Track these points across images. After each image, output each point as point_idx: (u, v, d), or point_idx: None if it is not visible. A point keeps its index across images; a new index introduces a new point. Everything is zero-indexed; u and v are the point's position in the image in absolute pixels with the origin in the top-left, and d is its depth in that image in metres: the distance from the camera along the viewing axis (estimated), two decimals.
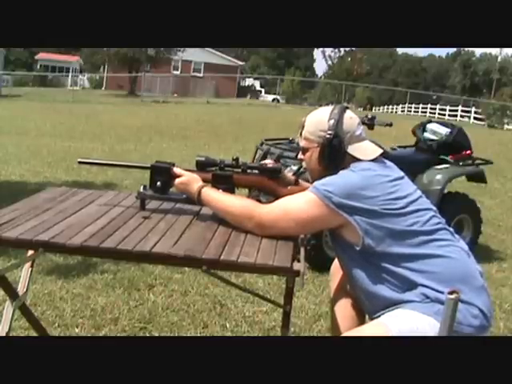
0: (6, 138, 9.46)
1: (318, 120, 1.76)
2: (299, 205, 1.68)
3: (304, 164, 1.85)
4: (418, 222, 1.65)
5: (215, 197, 1.76)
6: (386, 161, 1.79)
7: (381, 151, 1.77)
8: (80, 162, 1.99)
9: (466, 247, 1.74)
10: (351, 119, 1.76)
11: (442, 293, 1.53)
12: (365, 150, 1.75)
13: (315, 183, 1.68)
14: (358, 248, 1.64)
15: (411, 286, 1.61)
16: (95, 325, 2.74)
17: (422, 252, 1.62)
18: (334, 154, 1.71)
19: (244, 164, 1.89)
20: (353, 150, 1.73)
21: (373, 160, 1.74)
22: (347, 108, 1.79)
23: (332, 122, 1.72)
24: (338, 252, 1.82)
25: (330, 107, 1.79)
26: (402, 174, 1.77)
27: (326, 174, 1.71)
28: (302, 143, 1.81)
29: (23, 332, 2.53)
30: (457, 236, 1.76)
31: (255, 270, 1.69)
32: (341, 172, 1.70)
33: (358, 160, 1.72)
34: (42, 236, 1.56)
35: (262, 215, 1.69)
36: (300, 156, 1.85)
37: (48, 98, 21.93)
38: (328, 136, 1.71)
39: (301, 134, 1.82)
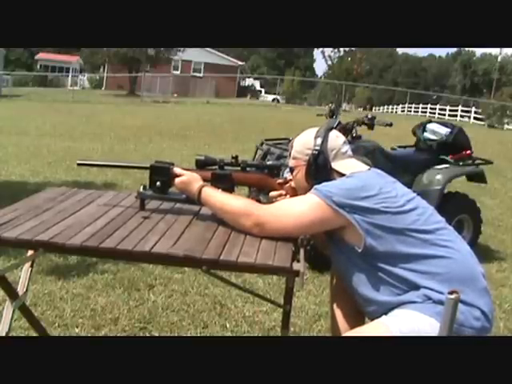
0: (5, 138, 9.46)
1: (305, 140, 1.83)
2: (300, 205, 1.69)
3: (293, 184, 1.88)
4: (419, 220, 1.65)
5: (215, 196, 1.77)
6: (377, 170, 1.83)
7: (367, 168, 1.81)
8: (79, 164, 1.99)
9: (468, 248, 1.74)
10: (337, 138, 1.82)
11: (444, 294, 1.52)
12: (351, 166, 1.79)
13: (316, 186, 1.69)
14: (359, 250, 1.64)
15: (413, 287, 1.61)
16: (95, 325, 2.74)
17: (424, 252, 1.62)
18: (319, 169, 1.77)
19: (243, 162, 1.91)
20: (338, 165, 1.78)
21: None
22: (333, 128, 1.86)
23: (318, 139, 1.78)
24: (337, 258, 1.81)
25: (317, 128, 1.85)
26: (394, 179, 1.80)
27: None
28: (291, 163, 1.86)
29: (23, 332, 2.52)
30: (459, 236, 1.76)
31: (255, 270, 1.69)
32: (336, 179, 1.74)
33: (343, 175, 1.76)
34: (41, 236, 1.56)
35: (260, 214, 1.69)
36: (289, 176, 1.89)
37: (48, 97, 21.94)
38: (314, 152, 1.77)
39: (290, 155, 1.87)
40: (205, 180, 1.83)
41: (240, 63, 39.63)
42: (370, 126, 3.99)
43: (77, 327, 2.70)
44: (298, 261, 1.58)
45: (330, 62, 32.42)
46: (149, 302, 3.07)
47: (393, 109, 39.20)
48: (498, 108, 25.70)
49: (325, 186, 1.67)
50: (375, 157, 3.77)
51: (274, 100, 32.46)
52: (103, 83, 36.79)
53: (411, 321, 1.56)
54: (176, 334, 2.71)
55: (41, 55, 42.00)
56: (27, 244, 1.58)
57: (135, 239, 1.60)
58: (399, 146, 4.51)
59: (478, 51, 77.34)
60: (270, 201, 1.86)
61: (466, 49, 59.89)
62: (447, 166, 4.14)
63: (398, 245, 1.61)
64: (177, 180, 1.82)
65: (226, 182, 1.86)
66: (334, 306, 1.96)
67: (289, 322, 1.60)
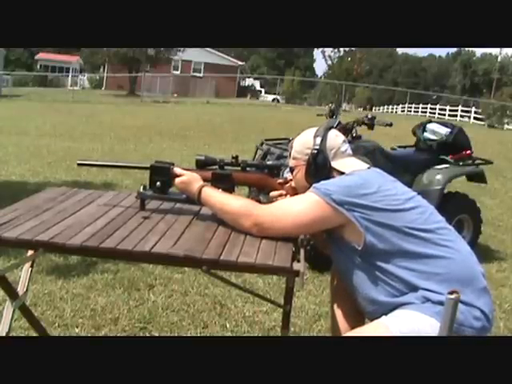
0: (5, 138, 9.46)
1: (304, 139, 1.83)
2: (299, 204, 1.69)
3: (293, 183, 1.88)
4: (419, 218, 1.65)
5: (214, 196, 1.77)
6: (377, 169, 1.83)
7: (367, 166, 1.81)
8: (79, 164, 1.99)
9: (468, 247, 1.74)
10: (336, 136, 1.83)
11: (443, 295, 1.52)
12: (350, 165, 1.79)
13: (314, 184, 1.69)
14: (359, 248, 1.64)
15: (412, 289, 1.60)
16: (95, 325, 2.74)
17: (425, 251, 1.62)
18: (319, 168, 1.77)
19: (243, 162, 1.91)
20: (338, 164, 1.79)
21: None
22: (333, 127, 1.86)
23: (317, 139, 1.79)
24: (337, 257, 1.81)
25: (316, 127, 1.85)
26: (394, 179, 1.81)
27: None
28: (291, 163, 1.87)
29: (23, 332, 2.52)
30: (459, 236, 1.76)
31: (255, 270, 1.69)
32: (335, 178, 1.75)
33: (343, 174, 1.76)
34: (41, 236, 1.56)
35: (259, 214, 1.69)
36: (289, 176, 1.89)
37: (48, 97, 21.95)
38: (313, 152, 1.77)
39: (290, 155, 1.88)
40: (205, 180, 1.84)
41: (240, 63, 39.62)
42: (370, 126, 3.99)
43: (77, 327, 2.70)
44: (298, 261, 1.58)
45: (329, 62, 32.45)
46: (149, 301, 3.07)
47: (393, 109, 39.20)
48: (498, 108, 25.69)
49: (323, 184, 1.67)
50: (375, 157, 3.77)
51: (274, 100, 32.45)
52: (103, 83, 36.77)
53: (411, 321, 1.56)
54: (176, 334, 2.71)
55: (41, 55, 42.00)
56: (27, 244, 1.58)
57: (135, 239, 1.60)
58: (399, 146, 4.51)
59: (478, 51, 77.42)
60: (270, 201, 1.86)
61: (466, 49, 60.01)
62: (447, 166, 4.14)
63: (398, 242, 1.61)
64: (177, 180, 1.82)
65: (226, 182, 1.86)
66: (334, 306, 1.96)
67: (289, 322, 1.60)
